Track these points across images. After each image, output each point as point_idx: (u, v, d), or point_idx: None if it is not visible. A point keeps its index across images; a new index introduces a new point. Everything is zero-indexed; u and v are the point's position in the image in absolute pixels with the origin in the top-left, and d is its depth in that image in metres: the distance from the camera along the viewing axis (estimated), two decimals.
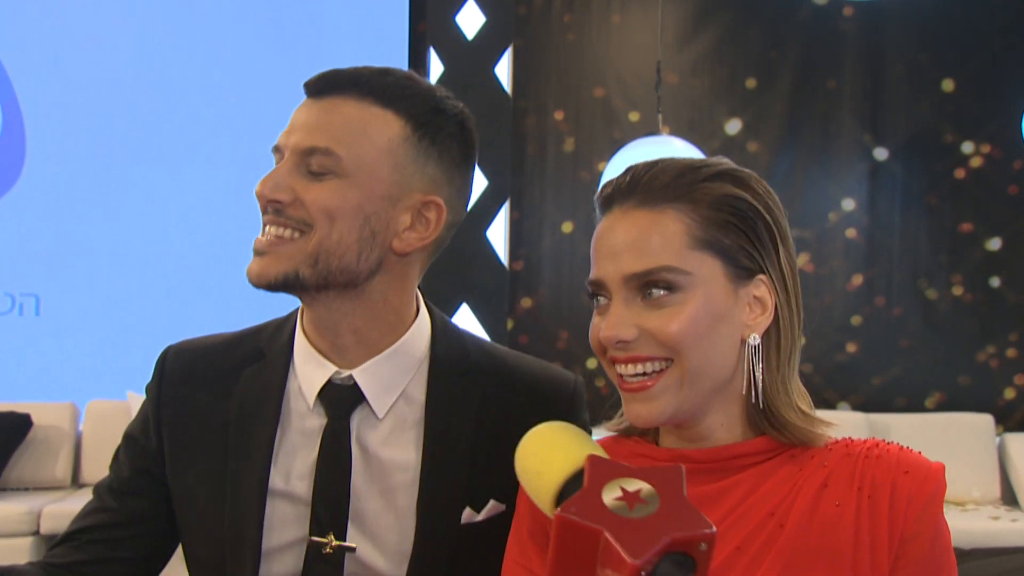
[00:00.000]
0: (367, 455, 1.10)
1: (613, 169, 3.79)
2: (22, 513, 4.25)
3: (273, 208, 1.05)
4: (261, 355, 1.16)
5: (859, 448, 0.91)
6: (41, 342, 5.08)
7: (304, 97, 1.11)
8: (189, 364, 1.17)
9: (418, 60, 5.19)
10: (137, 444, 1.17)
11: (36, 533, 4.25)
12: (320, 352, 1.12)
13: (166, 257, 5.11)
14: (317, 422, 1.11)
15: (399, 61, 5.10)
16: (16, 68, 5.11)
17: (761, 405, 0.91)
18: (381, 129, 1.06)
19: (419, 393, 1.13)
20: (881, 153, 5.18)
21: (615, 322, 0.89)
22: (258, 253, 1.06)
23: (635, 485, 0.75)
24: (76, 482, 4.81)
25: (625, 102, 5.17)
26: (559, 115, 5.19)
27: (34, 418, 4.69)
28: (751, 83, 5.17)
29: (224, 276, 5.07)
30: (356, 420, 1.11)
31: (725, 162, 0.95)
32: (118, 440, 3.68)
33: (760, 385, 0.91)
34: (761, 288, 0.92)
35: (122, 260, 5.12)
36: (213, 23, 5.17)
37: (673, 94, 4.94)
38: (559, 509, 0.74)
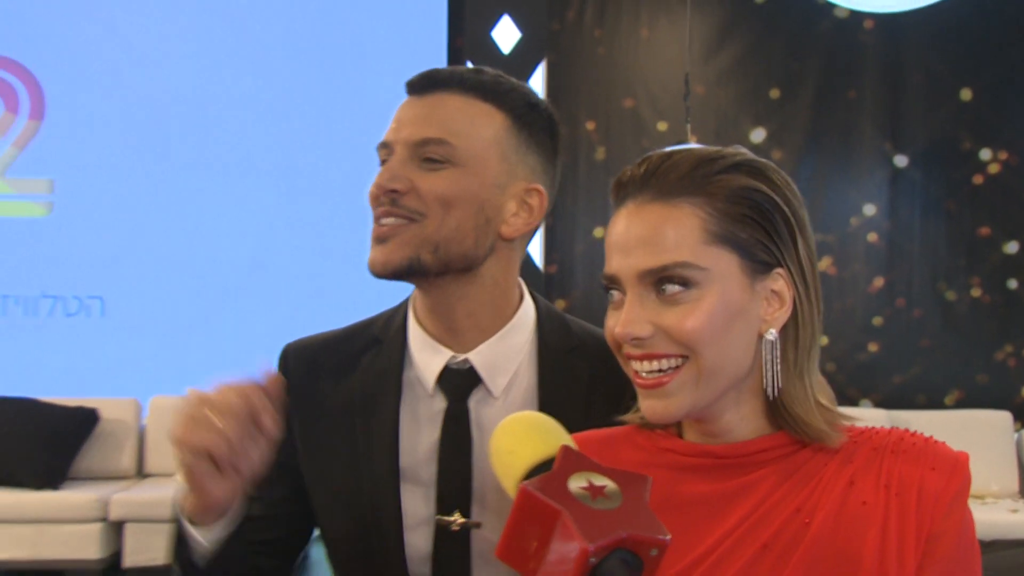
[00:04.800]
0: (485, 434, 1.10)
1: None
2: (92, 500, 4.44)
3: (389, 199, 1.06)
4: (377, 341, 1.18)
5: (884, 441, 0.88)
6: (106, 342, 5.21)
7: (403, 98, 1.12)
8: (309, 358, 1.20)
9: None
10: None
11: (105, 519, 4.43)
12: (435, 338, 1.14)
13: (221, 261, 5.24)
14: (436, 406, 1.13)
15: None
16: (81, 81, 5.22)
17: (778, 401, 0.88)
18: (487, 122, 1.09)
19: (530, 372, 1.14)
20: (901, 160, 5.18)
21: (629, 319, 0.87)
22: (379, 240, 1.07)
23: (602, 481, 0.74)
24: (141, 472, 4.96)
25: (653, 112, 5.21)
26: (590, 125, 5.21)
27: (101, 413, 4.83)
28: (775, 93, 5.19)
29: (275, 278, 5.18)
30: (473, 401, 1.12)
31: (742, 152, 0.91)
32: None
33: (777, 380, 0.88)
34: (779, 282, 0.88)
35: (181, 264, 5.26)
36: (263, 41, 5.30)
37: (700, 104, 4.98)
38: (525, 482, 0.73)
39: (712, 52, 5.18)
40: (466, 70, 1.12)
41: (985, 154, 5.12)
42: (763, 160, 0.90)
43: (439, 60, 5.16)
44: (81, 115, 5.25)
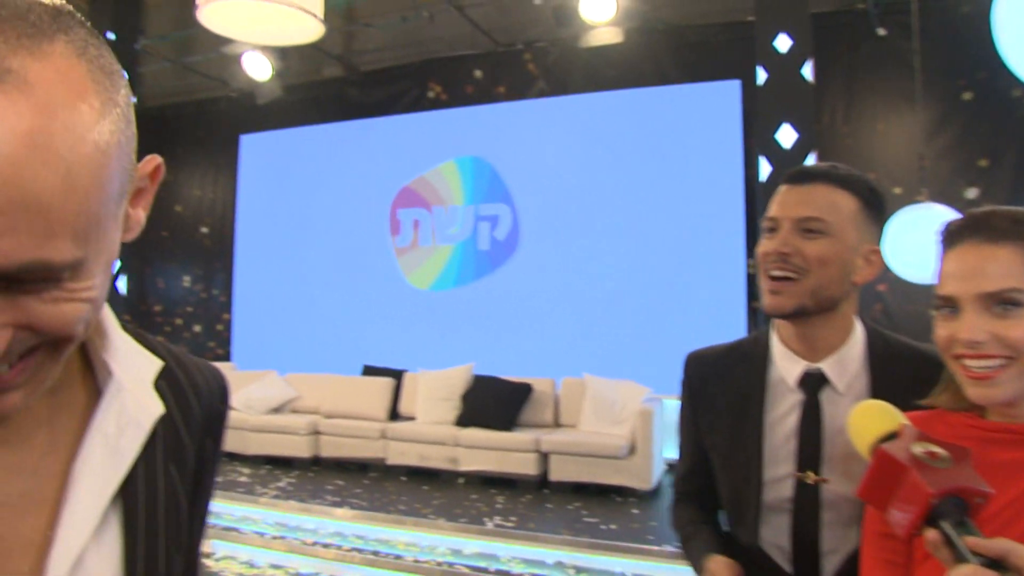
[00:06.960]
0: (832, 418, 1.25)
1: (890, 226, 4.05)
2: (530, 439, 5.85)
3: (779, 257, 1.23)
4: (747, 357, 1.35)
5: None
6: (533, 345, 6.84)
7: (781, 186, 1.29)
8: (701, 366, 1.39)
9: (751, 164, 6.22)
10: (686, 420, 1.41)
11: (538, 451, 5.76)
12: (795, 353, 1.30)
13: (607, 292, 6.50)
14: (795, 399, 1.28)
15: (738, 165, 6.49)
16: (530, 182, 6.98)
17: None
18: (845, 204, 1.24)
19: (864, 374, 1.26)
20: None
21: (971, 328, 0.96)
22: (773, 293, 1.24)
23: (937, 449, 0.84)
24: (557, 423, 6.30)
25: (890, 180, 5.98)
26: None
27: (533, 387, 6.29)
28: (983, 163, 5.84)
29: (631, 299, 6.42)
30: (824, 396, 1.26)
31: None
32: (579, 401, 6.49)
33: None
34: None
35: (579, 295, 6.67)
36: (629, 152, 6.76)
37: (928, 173, 5.26)
38: (883, 445, 0.85)
39: (933, 135, 5.89)
40: (827, 166, 1.26)
41: None
42: None
43: (738, 155, 6.42)
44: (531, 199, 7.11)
